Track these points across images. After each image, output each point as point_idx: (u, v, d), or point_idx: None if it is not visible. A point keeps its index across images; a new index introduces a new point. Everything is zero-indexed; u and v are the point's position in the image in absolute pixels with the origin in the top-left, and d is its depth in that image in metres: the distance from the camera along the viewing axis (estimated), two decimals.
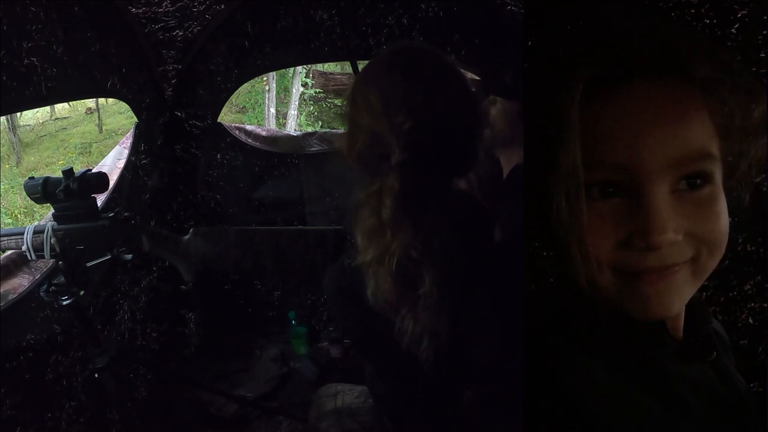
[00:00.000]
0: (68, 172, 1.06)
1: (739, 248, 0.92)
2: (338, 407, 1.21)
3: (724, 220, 0.53)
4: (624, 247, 0.52)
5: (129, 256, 1.14)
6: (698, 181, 0.52)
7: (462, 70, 0.83)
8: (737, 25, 0.79)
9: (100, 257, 1.13)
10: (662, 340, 0.59)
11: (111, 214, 1.12)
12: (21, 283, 1.34)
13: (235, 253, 1.15)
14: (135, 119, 1.84)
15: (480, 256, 0.82)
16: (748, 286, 0.94)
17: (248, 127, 2.19)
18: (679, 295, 0.54)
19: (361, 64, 2.11)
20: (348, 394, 1.23)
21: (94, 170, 1.12)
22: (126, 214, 1.14)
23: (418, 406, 0.92)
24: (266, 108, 8.11)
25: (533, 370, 0.56)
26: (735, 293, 0.95)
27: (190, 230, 1.17)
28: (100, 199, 1.59)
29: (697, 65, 0.51)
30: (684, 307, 0.57)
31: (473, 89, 0.84)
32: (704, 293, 0.97)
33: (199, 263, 1.15)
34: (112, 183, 1.68)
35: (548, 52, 0.54)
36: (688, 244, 0.52)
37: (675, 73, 0.51)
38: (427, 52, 0.84)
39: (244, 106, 9.47)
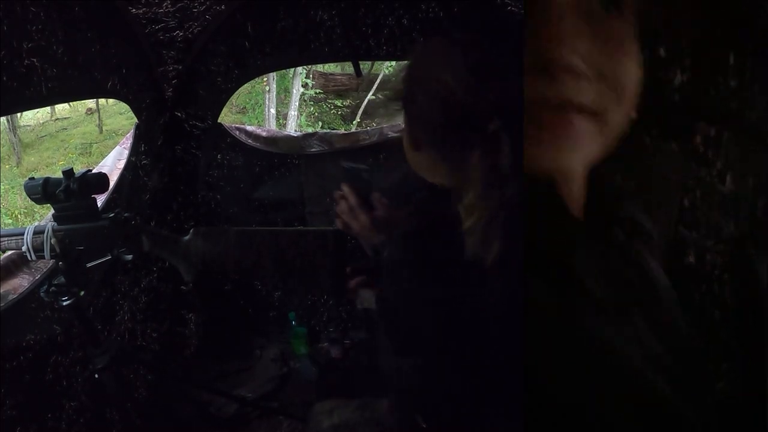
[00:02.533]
0: (68, 173, 1.06)
1: None
2: (335, 423, 1.18)
3: (636, 66, 0.46)
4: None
5: (129, 257, 1.14)
6: (612, 6, 0.44)
7: None
8: None
9: (101, 258, 1.13)
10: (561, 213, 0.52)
11: (111, 215, 1.12)
12: (21, 283, 1.34)
13: (235, 253, 1.14)
14: (135, 120, 1.84)
15: None
16: None
17: (248, 128, 2.19)
18: (579, 147, 0.46)
19: (362, 64, 2.11)
20: (344, 409, 1.20)
21: (94, 171, 1.12)
22: (126, 214, 1.14)
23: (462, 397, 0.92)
24: (266, 109, 8.12)
25: None
26: None
27: (191, 230, 1.17)
28: (101, 199, 1.59)
29: None
30: (586, 178, 0.51)
31: None
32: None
33: (199, 263, 1.15)
34: (112, 183, 1.68)
35: None
36: (591, 85, 0.44)
37: None
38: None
39: (245, 107, 9.49)
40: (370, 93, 9.09)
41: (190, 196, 2.09)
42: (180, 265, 1.17)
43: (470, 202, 0.82)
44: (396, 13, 1.80)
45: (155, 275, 1.90)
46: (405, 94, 0.91)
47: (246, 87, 8.37)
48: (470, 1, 1.78)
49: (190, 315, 2.13)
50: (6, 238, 1.12)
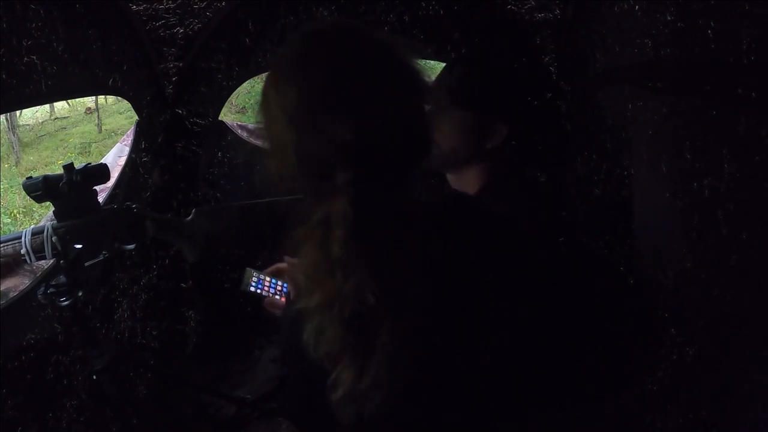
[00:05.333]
0: (69, 167, 1.06)
1: None
2: None
3: None
4: None
5: (131, 246, 1.14)
6: None
7: (405, 51, 0.67)
8: None
9: (98, 256, 1.13)
10: None
11: (114, 206, 1.13)
12: (22, 280, 1.33)
13: (238, 225, 1.17)
14: (135, 119, 1.83)
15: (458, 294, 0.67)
16: None
17: (250, 126, 2.18)
18: None
19: None
20: None
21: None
22: (128, 203, 1.15)
23: None
24: None
25: None
26: None
27: (193, 210, 1.18)
28: (101, 196, 1.58)
29: None
30: None
31: (421, 75, 0.67)
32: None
33: (203, 241, 1.16)
34: (113, 180, 1.67)
35: None
36: None
37: None
38: (355, 30, 0.65)
39: (244, 107, 9.48)
40: None
41: (190, 194, 2.08)
42: (184, 246, 1.18)
43: (303, 282, 0.66)
44: (397, 9, 1.80)
45: (155, 273, 1.89)
46: (262, 112, 0.70)
47: (245, 86, 8.36)
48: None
49: (189, 314, 2.12)
50: (3, 245, 1.11)
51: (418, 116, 0.66)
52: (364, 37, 0.64)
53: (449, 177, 1.24)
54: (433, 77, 0.68)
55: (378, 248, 0.60)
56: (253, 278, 1.15)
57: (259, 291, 1.16)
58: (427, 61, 1.95)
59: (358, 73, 0.61)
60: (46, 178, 1.06)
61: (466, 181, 1.21)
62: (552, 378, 0.88)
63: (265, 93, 0.65)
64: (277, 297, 1.15)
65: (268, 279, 1.17)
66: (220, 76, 1.90)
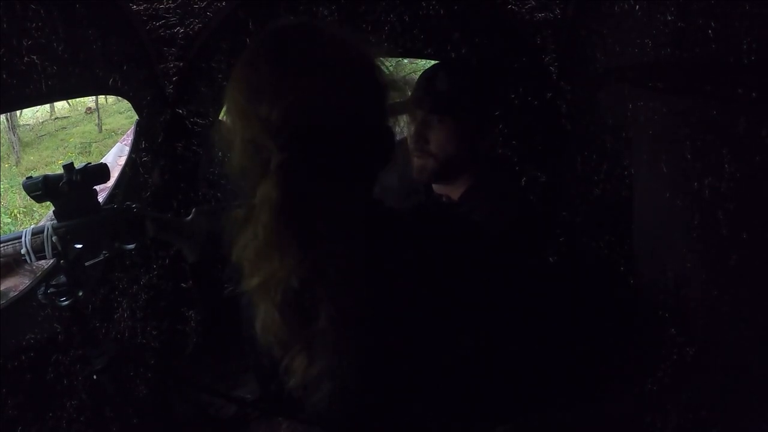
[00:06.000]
0: (69, 167, 1.06)
1: None
2: None
3: None
4: None
5: (131, 246, 1.14)
6: None
7: (363, 52, 0.70)
8: None
9: (99, 256, 1.13)
10: None
11: (114, 205, 1.13)
12: (22, 281, 1.33)
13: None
14: (135, 118, 1.83)
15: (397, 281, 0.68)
16: None
17: None
18: None
19: None
20: None
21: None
22: (127, 202, 1.15)
23: None
24: None
25: None
26: None
27: (193, 210, 1.18)
28: (102, 196, 1.58)
29: None
30: None
31: (373, 72, 0.69)
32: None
33: (203, 241, 1.16)
34: (113, 180, 1.67)
35: None
36: None
37: None
38: (305, 27, 0.71)
39: None
40: None
41: (190, 194, 2.08)
42: (184, 246, 1.19)
43: (244, 266, 0.69)
44: (397, 9, 1.80)
45: (155, 272, 1.89)
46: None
47: None
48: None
49: (189, 313, 2.12)
50: (3, 245, 1.11)
51: (362, 111, 0.67)
52: (309, 32, 0.69)
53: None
54: (399, 76, 0.69)
55: (304, 233, 0.62)
56: None
57: None
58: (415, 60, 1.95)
59: (291, 62, 0.64)
60: (46, 177, 1.06)
61: (451, 185, 1.21)
62: (522, 377, 0.90)
63: (225, 101, 0.69)
64: None
65: None
66: (220, 76, 1.90)
